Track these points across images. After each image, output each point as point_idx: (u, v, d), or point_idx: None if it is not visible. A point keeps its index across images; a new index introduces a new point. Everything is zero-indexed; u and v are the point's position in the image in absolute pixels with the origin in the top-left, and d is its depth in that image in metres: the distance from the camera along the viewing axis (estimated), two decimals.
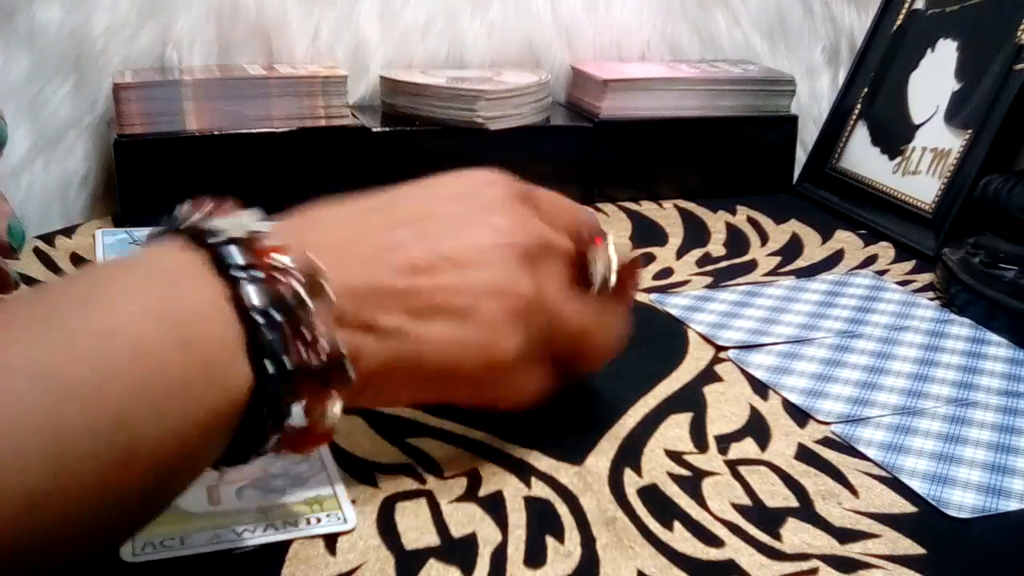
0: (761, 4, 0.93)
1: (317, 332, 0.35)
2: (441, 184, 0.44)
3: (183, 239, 0.35)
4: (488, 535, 0.40)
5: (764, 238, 0.76)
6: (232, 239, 0.35)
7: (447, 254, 0.40)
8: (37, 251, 0.68)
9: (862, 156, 0.83)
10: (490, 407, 0.45)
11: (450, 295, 0.40)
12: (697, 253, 0.73)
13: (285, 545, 0.38)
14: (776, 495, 0.43)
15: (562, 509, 0.42)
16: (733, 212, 0.82)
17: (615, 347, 0.47)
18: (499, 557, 0.38)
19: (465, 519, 0.41)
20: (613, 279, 0.46)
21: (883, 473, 0.45)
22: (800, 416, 0.50)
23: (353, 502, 0.41)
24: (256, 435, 0.34)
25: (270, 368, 0.34)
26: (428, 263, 0.40)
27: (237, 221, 0.36)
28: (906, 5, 0.84)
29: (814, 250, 0.74)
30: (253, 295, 0.34)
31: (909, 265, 0.72)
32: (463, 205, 0.43)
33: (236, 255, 0.34)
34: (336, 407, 0.36)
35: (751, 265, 0.71)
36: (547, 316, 0.42)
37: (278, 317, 0.34)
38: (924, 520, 0.41)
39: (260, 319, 0.33)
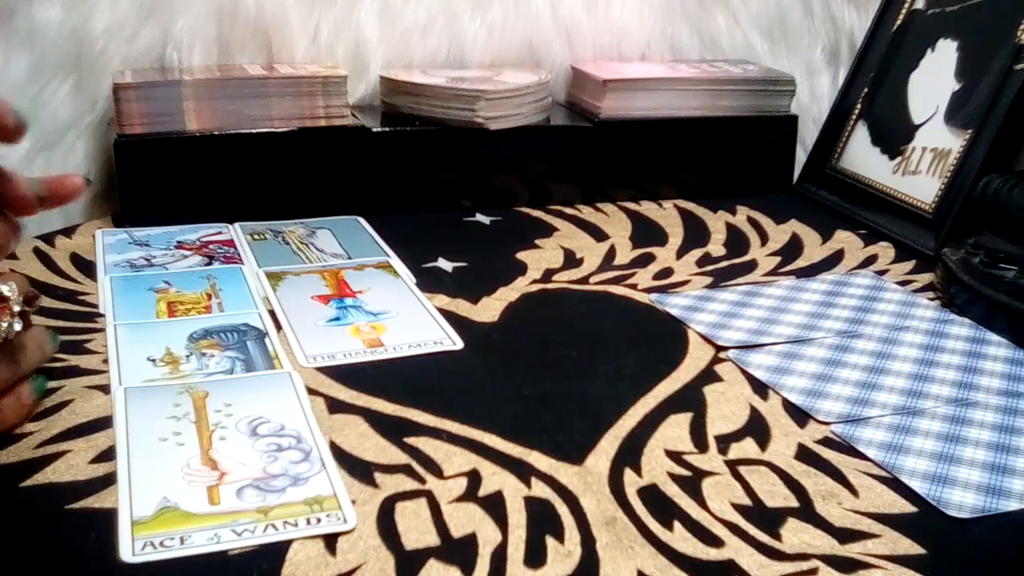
0: (761, 4, 0.93)
1: None
2: None
3: None
4: (488, 535, 0.40)
5: (764, 238, 0.76)
6: None
7: None
8: (37, 251, 0.68)
9: (862, 156, 0.83)
10: None
11: None
12: (697, 253, 0.73)
13: (285, 545, 0.38)
14: (776, 495, 0.43)
15: (562, 509, 0.42)
16: (733, 212, 0.82)
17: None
18: (499, 557, 0.38)
19: (465, 519, 0.41)
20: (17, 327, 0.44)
21: (883, 473, 0.45)
22: (800, 416, 0.50)
23: (353, 502, 0.41)
24: None
25: None
26: None
27: None
28: (906, 5, 0.84)
29: (814, 250, 0.74)
30: None
31: (909, 265, 0.72)
32: None
33: None
34: None
35: (751, 265, 0.71)
36: None
37: None
38: (924, 520, 0.41)
39: None
